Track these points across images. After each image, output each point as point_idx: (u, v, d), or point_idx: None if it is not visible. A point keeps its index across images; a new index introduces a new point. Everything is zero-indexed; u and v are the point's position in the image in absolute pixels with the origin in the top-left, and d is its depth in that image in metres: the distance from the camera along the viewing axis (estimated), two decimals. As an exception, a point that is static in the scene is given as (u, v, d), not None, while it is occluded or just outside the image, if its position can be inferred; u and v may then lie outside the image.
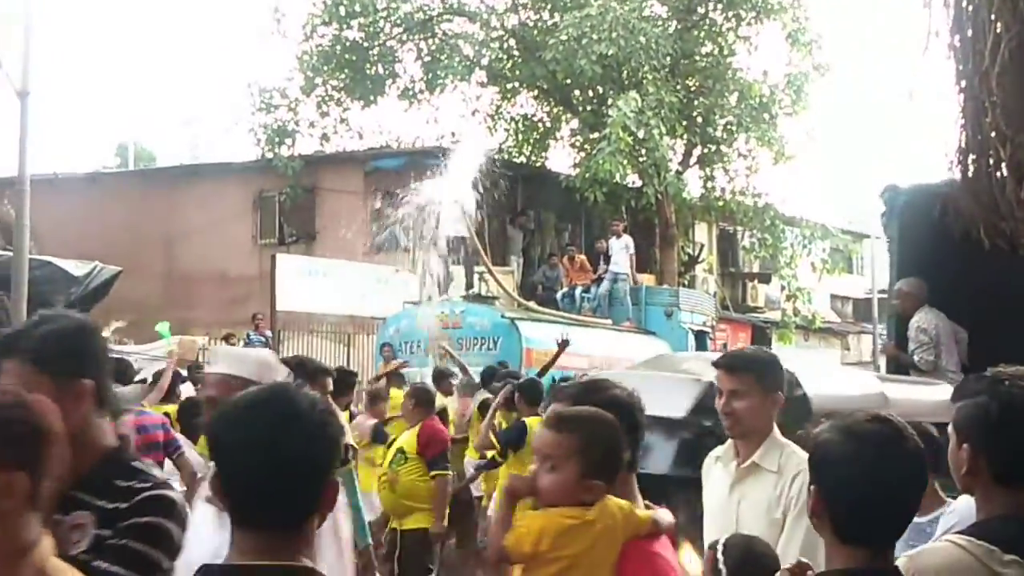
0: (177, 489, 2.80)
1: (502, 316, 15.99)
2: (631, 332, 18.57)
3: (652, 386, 4.54)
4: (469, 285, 17.55)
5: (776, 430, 4.01)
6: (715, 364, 4.11)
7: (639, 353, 17.71)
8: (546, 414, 2.95)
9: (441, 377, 11.64)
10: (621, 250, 19.86)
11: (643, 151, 22.01)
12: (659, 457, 5.07)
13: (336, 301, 19.93)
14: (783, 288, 26.01)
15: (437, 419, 8.27)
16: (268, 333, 18.94)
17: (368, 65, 25.25)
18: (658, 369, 6.28)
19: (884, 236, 8.44)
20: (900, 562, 2.44)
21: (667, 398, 5.19)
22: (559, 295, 20.21)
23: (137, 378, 9.65)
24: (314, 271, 20.30)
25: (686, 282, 24.94)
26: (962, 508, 3.69)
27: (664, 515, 2.85)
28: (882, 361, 9.95)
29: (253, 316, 19.18)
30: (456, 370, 11.85)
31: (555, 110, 26.20)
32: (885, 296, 10.48)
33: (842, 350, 30.93)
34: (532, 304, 18.31)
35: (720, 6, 23.88)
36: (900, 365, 7.85)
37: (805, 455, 2.53)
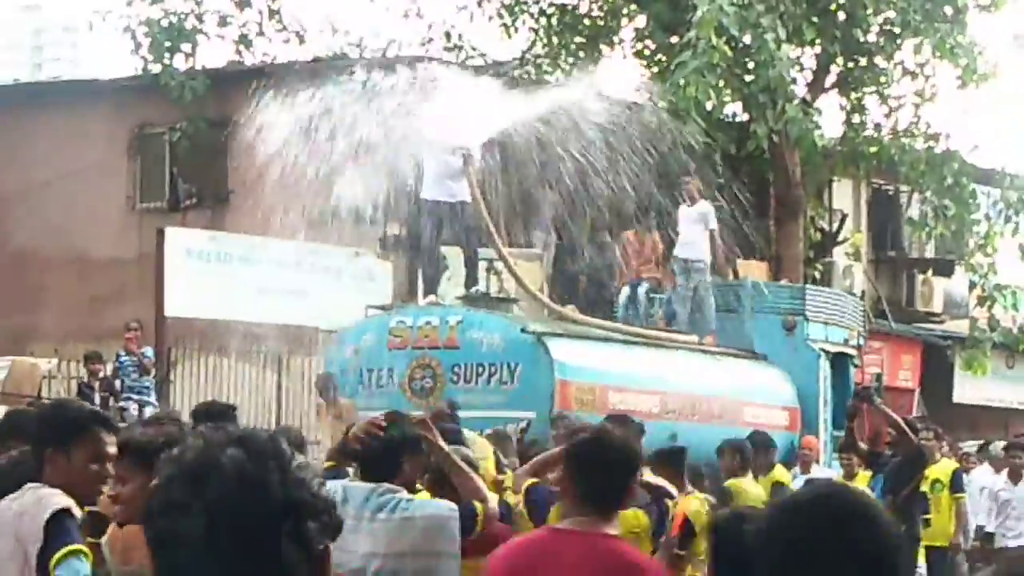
0: None
1: (522, 330, 15.94)
2: (729, 356, 18.57)
3: None
4: (472, 280, 17.54)
5: None
6: None
7: (742, 387, 18.04)
8: None
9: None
10: (694, 223, 19.52)
11: (749, 66, 21.98)
12: None
13: (260, 303, 19.94)
14: (973, 285, 25.95)
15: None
16: (148, 352, 18.98)
17: (313, -74, 25.42)
18: None
19: None
20: None
21: None
22: (619, 295, 20.12)
23: None
24: (225, 254, 20.32)
25: (818, 274, 24.90)
26: None
27: None
28: None
29: (126, 325, 19.23)
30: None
31: (610, 0, 26.11)
32: None
33: (1066, 383, 30.75)
34: (571, 310, 18.25)
35: None
36: None
37: None
